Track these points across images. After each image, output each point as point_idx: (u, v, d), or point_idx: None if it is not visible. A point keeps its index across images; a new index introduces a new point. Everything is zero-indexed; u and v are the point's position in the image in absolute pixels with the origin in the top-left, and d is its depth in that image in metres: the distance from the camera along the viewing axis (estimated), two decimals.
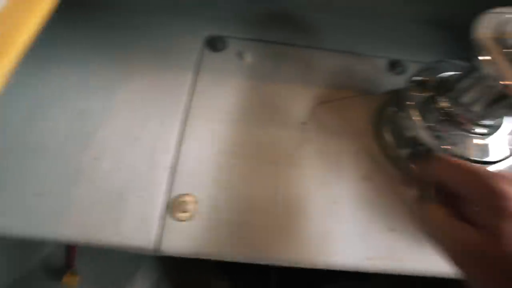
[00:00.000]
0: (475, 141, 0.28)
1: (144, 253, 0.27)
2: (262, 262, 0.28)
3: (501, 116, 0.28)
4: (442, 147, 0.27)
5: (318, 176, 0.31)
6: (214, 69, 0.35)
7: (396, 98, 0.32)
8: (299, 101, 0.34)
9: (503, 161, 0.28)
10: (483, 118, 0.27)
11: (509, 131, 0.29)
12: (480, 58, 0.23)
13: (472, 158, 0.27)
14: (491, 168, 0.27)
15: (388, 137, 0.33)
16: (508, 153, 0.28)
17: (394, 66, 0.38)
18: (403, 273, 0.28)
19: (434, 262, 0.28)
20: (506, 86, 0.22)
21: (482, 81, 0.25)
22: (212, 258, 0.27)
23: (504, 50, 0.22)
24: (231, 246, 0.27)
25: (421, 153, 0.31)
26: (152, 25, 0.37)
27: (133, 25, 0.37)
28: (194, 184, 0.29)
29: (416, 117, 0.28)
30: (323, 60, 0.38)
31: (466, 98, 0.27)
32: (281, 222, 0.29)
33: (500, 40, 0.23)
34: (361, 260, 0.28)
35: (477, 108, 0.26)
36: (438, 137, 0.27)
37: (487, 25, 0.23)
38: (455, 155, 0.27)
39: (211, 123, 0.32)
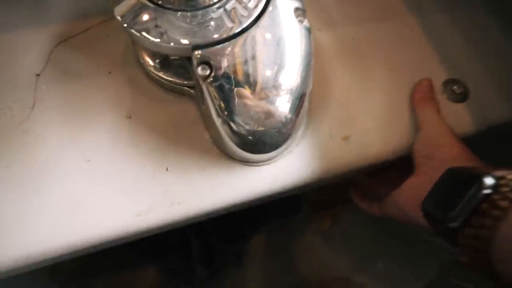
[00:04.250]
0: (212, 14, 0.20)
1: None
2: None
3: None
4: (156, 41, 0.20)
5: (65, 136, 0.24)
6: None
7: None
8: (31, 49, 0.26)
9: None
10: None
11: None
12: None
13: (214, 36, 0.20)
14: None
15: (145, 56, 0.25)
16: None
17: None
18: (186, 218, 0.22)
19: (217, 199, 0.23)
20: None
21: None
22: None
23: None
24: None
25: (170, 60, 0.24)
26: None
27: None
28: None
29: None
30: None
31: None
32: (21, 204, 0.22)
33: None
34: (130, 219, 0.22)
35: None
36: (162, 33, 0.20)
37: None
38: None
39: None
